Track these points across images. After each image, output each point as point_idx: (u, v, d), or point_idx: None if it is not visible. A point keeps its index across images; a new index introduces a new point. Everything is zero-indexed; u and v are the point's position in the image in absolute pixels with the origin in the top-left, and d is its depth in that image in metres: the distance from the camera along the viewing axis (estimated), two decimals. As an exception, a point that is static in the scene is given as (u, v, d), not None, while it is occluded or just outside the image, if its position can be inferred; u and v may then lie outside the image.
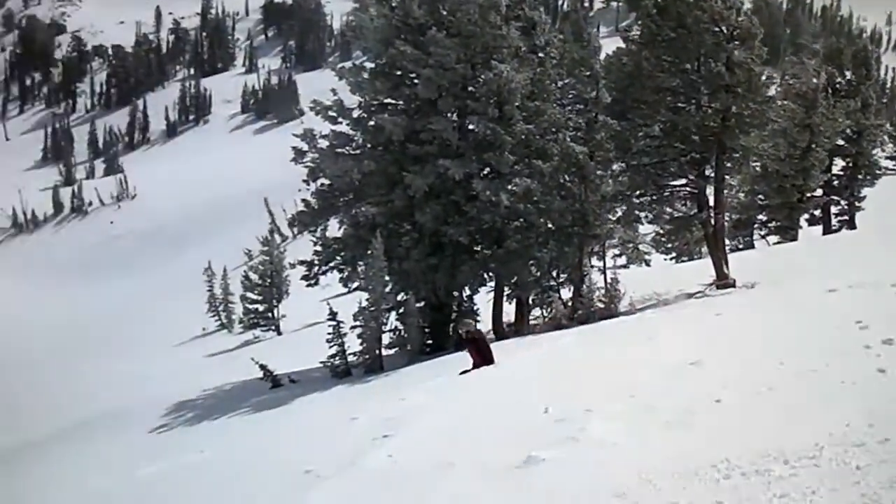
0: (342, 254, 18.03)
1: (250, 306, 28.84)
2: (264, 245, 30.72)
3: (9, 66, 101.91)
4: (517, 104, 14.63)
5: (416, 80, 16.71)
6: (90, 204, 69.40)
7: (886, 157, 28.34)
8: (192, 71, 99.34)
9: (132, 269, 54.82)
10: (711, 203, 14.75)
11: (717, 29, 13.73)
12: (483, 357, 11.14)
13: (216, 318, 32.79)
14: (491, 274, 17.02)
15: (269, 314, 28.66)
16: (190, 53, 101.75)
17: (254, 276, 28.87)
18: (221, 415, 15.07)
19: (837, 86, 26.68)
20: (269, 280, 28.34)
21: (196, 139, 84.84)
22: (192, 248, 52.46)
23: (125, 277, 53.11)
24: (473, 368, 11.11)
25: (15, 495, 12.11)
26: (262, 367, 16.71)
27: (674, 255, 26.17)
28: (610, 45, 17.58)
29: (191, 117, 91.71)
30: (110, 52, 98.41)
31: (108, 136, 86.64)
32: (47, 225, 68.73)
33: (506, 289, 16.87)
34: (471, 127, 16.18)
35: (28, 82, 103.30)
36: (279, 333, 28.31)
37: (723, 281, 14.30)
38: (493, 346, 13.82)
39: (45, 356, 36.25)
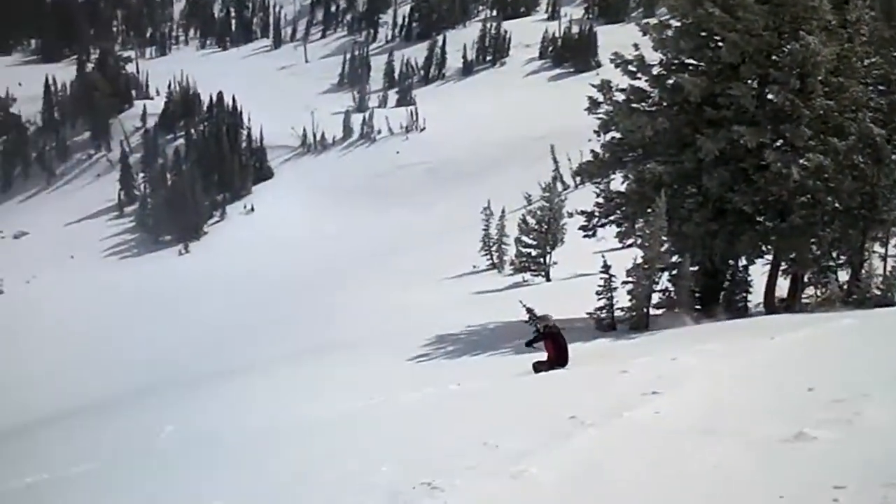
0: (623, 209, 20.24)
1: (523, 250, 33.06)
2: (545, 191, 34.68)
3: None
4: (820, 78, 15.82)
5: (720, 43, 18.10)
6: (379, 132, 79.53)
7: None
8: (493, 12, 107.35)
9: (412, 200, 62.98)
10: None
11: None
12: (559, 353, 12.38)
13: (488, 257, 38.00)
14: (770, 247, 18.18)
15: (541, 260, 32.72)
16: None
17: (531, 221, 33.02)
18: (482, 352, 17.76)
19: None
20: (545, 226, 32.38)
21: (490, 80, 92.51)
22: (472, 186, 58.86)
23: (404, 207, 61.50)
24: (547, 363, 12.41)
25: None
26: (529, 310, 18.66)
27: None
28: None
29: (487, 58, 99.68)
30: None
31: (404, 69, 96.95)
32: (335, 148, 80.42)
33: (783, 264, 18.03)
34: (770, 96, 17.41)
35: (332, 8, 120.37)
36: (548, 280, 32.18)
37: None
38: (762, 319, 15.90)
39: (322, 277, 44.46)
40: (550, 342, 12.67)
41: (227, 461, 9.52)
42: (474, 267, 38.19)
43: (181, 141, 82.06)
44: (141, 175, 79.12)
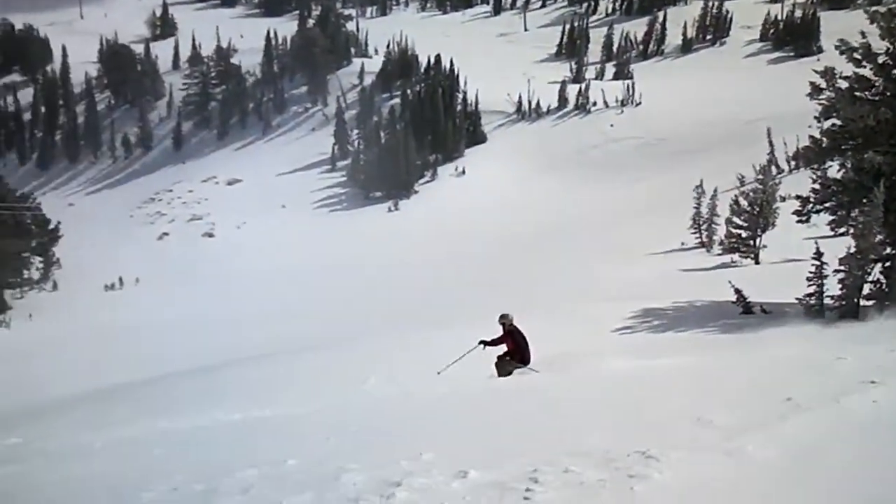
0: (838, 196, 21.14)
1: (734, 230, 34.99)
2: (759, 174, 35.94)
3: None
4: None
5: (952, 35, 19.21)
6: (594, 104, 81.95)
7: None
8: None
9: (623, 173, 65.25)
10: None
11: None
12: (519, 350, 13.62)
13: (697, 235, 40.04)
14: None
15: (751, 242, 34.42)
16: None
17: (743, 202, 34.78)
18: (688, 329, 18.97)
19: None
20: (757, 209, 34.07)
21: (709, 59, 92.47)
22: (684, 164, 60.18)
23: (615, 180, 63.94)
24: (508, 356, 13.72)
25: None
26: (737, 291, 20.38)
27: None
28: None
29: (707, 37, 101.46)
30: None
31: (622, 42, 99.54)
32: (548, 117, 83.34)
33: None
34: None
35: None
36: (757, 262, 33.82)
37: None
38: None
39: (530, 243, 48.16)
40: (510, 340, 13.94)
41: (420, 415, 10.42)
42: (682, 244, 40.05)
43: (397, 100, 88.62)
44: (355, 131, 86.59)
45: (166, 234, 70.91)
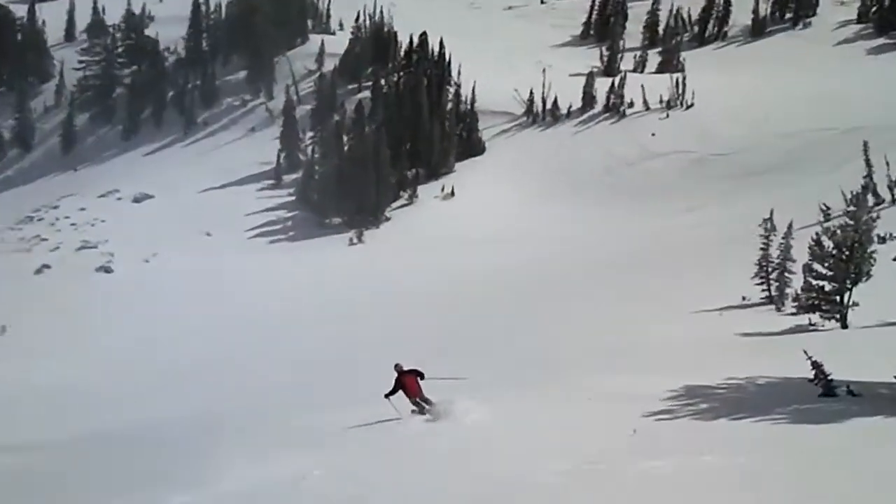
0: None
1: (814, 282, 34.37)
2: (851, 204, 35.21)
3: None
4: None
5: None
6: (630, 104, 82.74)
7: None
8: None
9: (666, 199, 65.92)
10: None
11: None
12: (416, 387, 20.66)
13: (764, 287, 39.66)
14: None
15: (837, 298, 33.71)
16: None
17: (827, 243, 34.02)
18: (745, 416, 18.44)
19: None
20: (846, 252, 33.31)
21: (787, 46, 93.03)
22: (750, 190, 60.51)
23: (655, 208, 64.67)
24: (392, 394, 20.71)
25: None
26: (816, 364, 19.71)
27: None
28: None
29: (786, 16, 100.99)
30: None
31: (671, 22, 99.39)
32: (569, 121, 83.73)
33: None
34: None
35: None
36: (844, 326, 32.88)
37: None
38: None
39: (534, 291, 47.98)
40: (406, 382, 20.89)
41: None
42: (744, 299, 39.69)
43: (367, 93, 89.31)
44: (310, 134, 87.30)
45: (47, 266, 70.65)
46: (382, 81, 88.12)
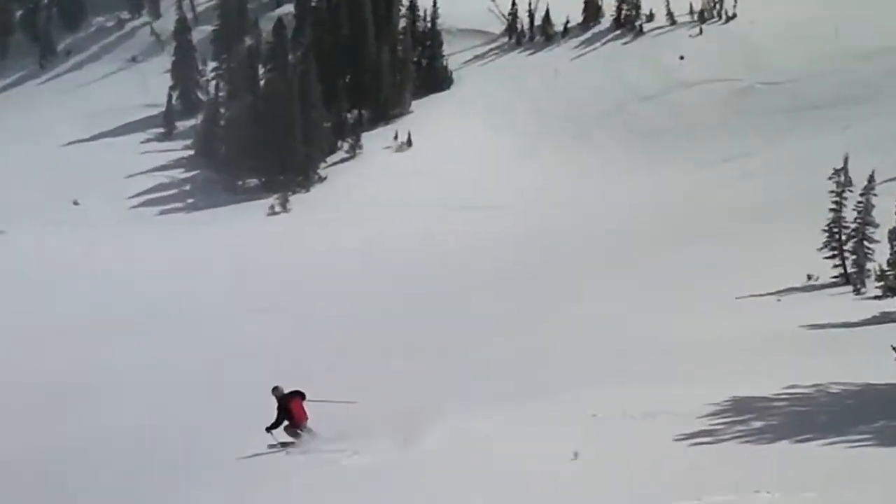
0: None
1: None
2: None
3: None
4: None
5: None
6: (649, 17, 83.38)
7: None
8: None
9: (699, 145, 67.01)
10: None
11: None
12: (299, 412, 21.84)
13: (837, 261, 39.83)
14: None
15: None
16: None
17: None
18: (817, 436, 18.24)
19: None
20: None
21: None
22: (814, 130, 61.40)
23: (685, 158, 65.40)
24: (292, 427, 21.76)
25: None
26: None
27: None
28: None
29: None
30: None
31: None
32: (566, 43, 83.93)
33: None
34: None
35: None
36: None
37: None
38: None
39: (525, 269, 48.42)
40: (293, 407, 22.05)
41: None
42: (810, 279, 39.82)
43: (289, 8, 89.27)
44: (212, 65, 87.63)
45: None
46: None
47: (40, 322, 51.47)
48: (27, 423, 33.24)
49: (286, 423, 22.25)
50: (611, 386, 24.40)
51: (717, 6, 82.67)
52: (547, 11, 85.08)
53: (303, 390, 22.74)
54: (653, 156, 67.85)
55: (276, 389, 22.49)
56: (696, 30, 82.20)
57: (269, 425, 22.13)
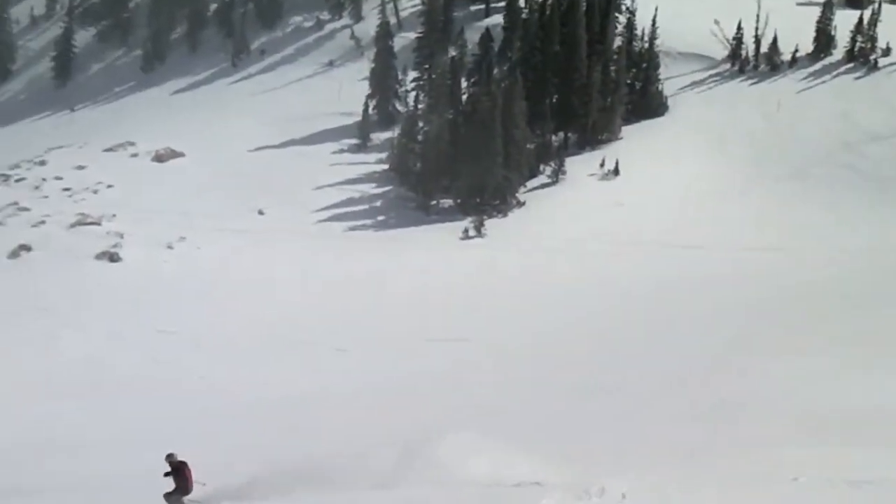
0: None
1: None
2: None
3: None
4: None
5: None
6: (885, 51, 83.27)
7: None
8: None
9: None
10: None
11: None
12: (186, 482, 24.63)
13: None
14: None
15: None
16: None
17: None
18: None
19: None
20: None
21: None
22: None
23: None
24: (175, 492, 24.70)
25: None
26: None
27: None
28: None
29: None
30: None
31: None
32: (794, 73, 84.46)
33: None
34: None
35: None
36: None
37: None
38: None
39: (750, 324, 48.33)
40: (188, 474, 24.92)
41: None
42: None
43: (497, 18, 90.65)
44: (412, 75, 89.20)
45: (25, 247, 72.39)
46: (522, 1, 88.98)
47: (222, 338, 55.06)
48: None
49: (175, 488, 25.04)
50: (813, 446, 25.37)
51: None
52: (774, 38, 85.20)
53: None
54: (880, 202, 68.05)
55: (170, 456, 25.17)
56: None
57: (168, 492, 25.07)
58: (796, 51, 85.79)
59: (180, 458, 25.27)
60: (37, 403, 46.25)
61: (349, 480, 23.66)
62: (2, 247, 71.55)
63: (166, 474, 25.07)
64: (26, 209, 77.45)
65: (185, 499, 25.18)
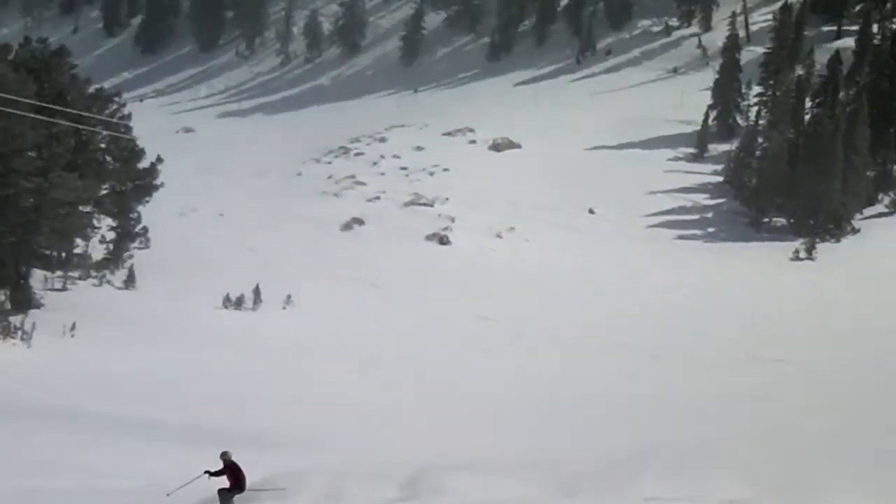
0: None
1: None
2: None
3: None
4: None
5: None
6: None
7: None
8: None
9: None
10: None
11: None
12: (238, 482, 25.17)
13: None
14: None
15: None
16: None
17: None
18: None
19: None
20: None
21: None
22: None
23: None
24: (229, 490, 25.20)
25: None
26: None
27: None
28: None
29: None
30: None
31: None
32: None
33: None
34: None
35: None
36: None
37: None
38: None
39: None
40: (230, 474, 25.35)
41: None
42: None
43: (848, 42, 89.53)
44: (756, 90, 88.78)
45: (358, 221, 75.35)
46: (875, 27, 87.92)
47: (543, 326, 56.97)
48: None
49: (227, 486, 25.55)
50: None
51: None
52: None
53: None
54: None
55: (225, 454, 25.61)
56: None
57: (211, 471, 25.49)
58: None
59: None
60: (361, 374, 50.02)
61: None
62: (336, 218, 74.57)
63: (214, 473, 25.59)
64: (362, 184, 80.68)
65: (236, 498, 25.88)
